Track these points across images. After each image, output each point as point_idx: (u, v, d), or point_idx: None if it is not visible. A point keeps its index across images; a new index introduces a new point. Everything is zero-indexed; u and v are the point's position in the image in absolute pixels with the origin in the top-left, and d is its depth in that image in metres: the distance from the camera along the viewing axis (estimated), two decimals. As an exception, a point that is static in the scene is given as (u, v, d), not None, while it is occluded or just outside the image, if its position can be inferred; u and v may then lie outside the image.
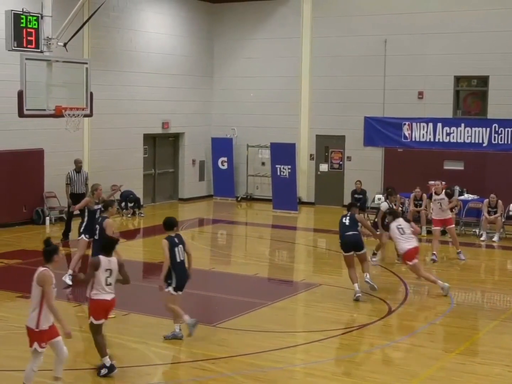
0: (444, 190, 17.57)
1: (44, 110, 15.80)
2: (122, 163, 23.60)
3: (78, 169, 18.98)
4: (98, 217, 13.09)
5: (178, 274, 10.91)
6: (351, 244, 13.45)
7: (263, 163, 26.81)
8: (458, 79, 23.58)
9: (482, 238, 19.70)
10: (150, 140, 25.69)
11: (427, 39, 23.67)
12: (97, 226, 12.64)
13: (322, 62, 25.47)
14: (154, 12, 25.16)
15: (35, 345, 8.53)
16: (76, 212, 16.18)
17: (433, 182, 21.65)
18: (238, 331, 11.44)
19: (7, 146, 20.09)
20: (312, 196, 26.04)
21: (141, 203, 23.93)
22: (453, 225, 17.60)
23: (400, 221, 14.34)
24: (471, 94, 24.00)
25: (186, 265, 11.06)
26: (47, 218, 20.94)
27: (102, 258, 9.64)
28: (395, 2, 24.27)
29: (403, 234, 14.05)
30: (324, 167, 25.93)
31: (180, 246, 10.92)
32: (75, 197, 18.06)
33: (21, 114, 15.32)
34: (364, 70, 24.67)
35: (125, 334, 11.37)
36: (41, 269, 8.54)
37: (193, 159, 27.21)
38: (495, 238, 19.54)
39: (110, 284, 9.63)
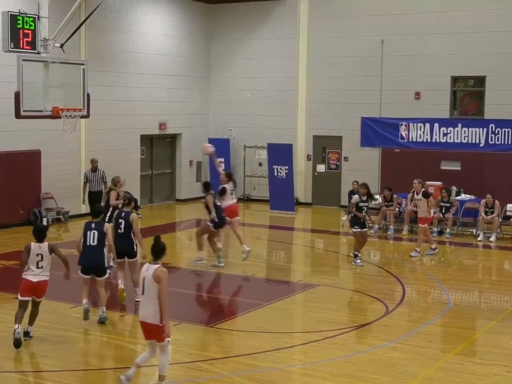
0: (422, 190, 17.58)
1: (41, 111, 15.78)
2: (119, 164, 23.56)
3: (94, 168, 19.66)
4: (120, 211, 13.22)
5: (83, 256, 11.58)
6: None
7: (260, 164, 26.82)
8: (455, 80, 23.60)
9: (479, 238, 19.71)
10: (147, 141, 25.69)
11: (424, 40, 23.68)
12: (121, 220, 12.82)
13: (319, 62, 25.48)
14: (151, 13, 25.15)
15: (168, 339, 8.67)
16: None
17: (430, 182, 21.77)
18: (235, 331, 11.44)
19: (4, 147, 20.07)
20: (309, 197, 26.05)
21: (139, 204, 23.89)
22: (425, 226, 17.52)
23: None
24: (468, 95, 24.02)
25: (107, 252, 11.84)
26: (45, 219, 20.93)
27: (32, 244, 10.60)
28: (392, 2, 24.28)
29: None
30: (321, 167, 25.93)
31: (94, 231, 11.54)
32: (93, 195, 19.26)
33: (18, 115, 15.30)
34: (361, 71, 24.68)
35: (122, 335, 11.37)
36: (154, 266, 8.62)
37: (190, 160, 27.20)
38: (492, 238, 19.56)
39: (41, 267, 10.57)
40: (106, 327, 11.78)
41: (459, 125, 23.39)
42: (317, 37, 25.42)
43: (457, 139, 23.43)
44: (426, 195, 17.49)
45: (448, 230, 20.21)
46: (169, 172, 26.95)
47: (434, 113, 23.64)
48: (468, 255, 18.34)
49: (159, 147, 26.37)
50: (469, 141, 23.25)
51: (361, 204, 16.44)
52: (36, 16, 15.74)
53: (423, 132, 23.90)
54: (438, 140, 23.69)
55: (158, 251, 8.77)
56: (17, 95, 15.03)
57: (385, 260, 17.60)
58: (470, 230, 20.54)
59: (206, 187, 16.44)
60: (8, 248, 17.79)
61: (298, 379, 9.84)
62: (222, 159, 26.88)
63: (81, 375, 9.73)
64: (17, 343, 10.32)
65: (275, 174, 24.93)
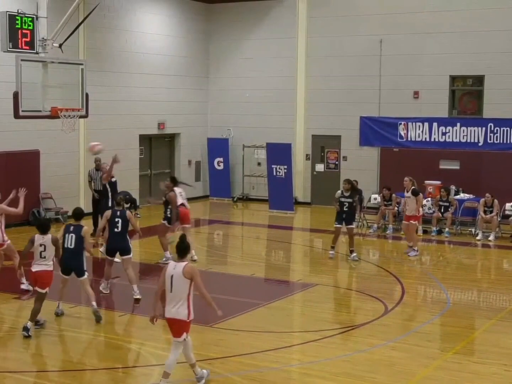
0: (412, 188, 17.66)
1: (40, 111, 15.78)
2: (118, 164, 23.52)
3: (97, 167, 19.63)
4: (115, 211, 13.58)
5: (62, 258, 11.78)
6: None
7: (259, 164, 26.82)
8: (453, 79, 23.61)
9: (478, 238, 19.72)
10: (146, 140, 25.68)
11: (422, 39, 23.69)
12: (118, 219, 13.21)
13: (317, 62, 25.49)
14: (150, 12, 25.14)
15: (184, 335, 9.04)
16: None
17: (429, 181, 21.79)
18: (234, 331, 11.44)
19: (3, 147, 20.06)
20: (308, 196, 26.05)
21: (137, 204, 23.91)
22: (413, 223, 17.66)
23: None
24: (466, 94, 24.02)
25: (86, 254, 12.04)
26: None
27: (36, 235, 11.15)
28: (390, 2, 24.27)
29: None
30: (320, 167, 25.93)
31: (72, 235, 11.77)
32: (96, 193, 19.25)
33: (16, 115, 15.30)
34: (360, 70, 24.68)
35: (121, 335, 11.38)
36: (182, 264, 8.97)
37: (189, 159, 27.20)
38: (491, 238, 19.57)
39: (44, 257, 11.11)
40: (106, 327, 11.79)
41: (458, 124, 23.40)
42: (315, 36, 25.42)
43: (456, 138, 23.43)
44: (415, 193, 17.60)
45: (447, 229, 20.21)
46: (168, 172, 26.92)
47: (432, 113, 23.65)
48: (467, 254, 18.35)
49: (158, 147, 26.36)
50: (468, 140, 23.26)
51: (342, 199, 16.77)
52: (34, 16, 15.74)
53: (422, 132, 23.91)
54: (437, 140, 23.69)
55: (183, 249, 9.12)
56: (15, 95, 15.03)
57: (384, 259, 17.60)
58: (469, 229, 20.54)
59: (174, 181, 16.73)
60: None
61: (297, 378, 9.85)
62: (221, 159, 26.98)
63: (79, 375, 9.73)
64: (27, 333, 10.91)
65: (274, 174, 24.92)
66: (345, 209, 16.70)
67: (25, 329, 10.92)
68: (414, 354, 10.57)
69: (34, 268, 11.17)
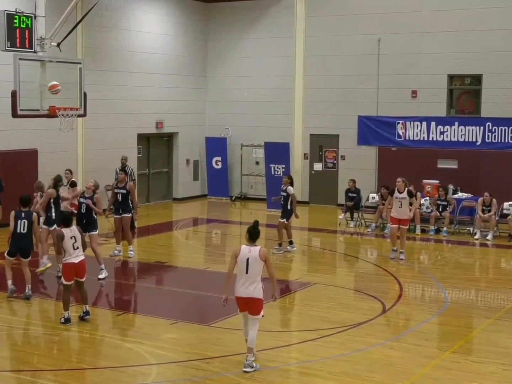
0: (406, 189, 16.86)
1: (38, 110, 15.74)
2: (116, 163, 23.53)
3: (123, 166, 19.84)
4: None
5: (14, 242, 13.11)
6: None
7: (257, 163, 26.82)
8: (451, 78, 23.62)
9: (476, 237, 19.73)
10: (144, 140, 25.68)
11: (420, 38, 23.70)
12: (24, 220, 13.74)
13: (315, 61, 25.49)
14: (148, 11, 25.13)
15: (262, 312, 9.85)
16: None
17: (427, 181, 21.81)
18: (232, 330, 11.44)
19: (0, 146, 20.05)
20: (306, 195, 26.04)
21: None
22: (407, 227, 17.10)
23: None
24: (464, 93, 24.04)
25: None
26: (41, 218, 20.83)
27: (64, 230, 11.72)
28: (388, 1, 24.28)
29: None
30: (318, 166, 25.94)
31: (24, 220, 13.10)
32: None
33: (14, 114, 15.26)
34: (358, 69, 24.69)
35: (119, 334, 11.37)
36: (256, 248, 9.84)
37: (187, 158, 27.20)
38: (489, 237, 19.58)
39: (77, 248, 11.67)
40: (104, 326, 11.79)
41: (456, 123, 23.41)
42: (313, 35, 25.42)
43: (454, 137, 23.45)
44: (412, 194, 16.97)
45: (445, 228, 20.22)
46: (166, 171, 26.94)
47: (431, 112, 23.66)
48: (465, 254, 18.35)
49: (156, 146, 26.36)
50: (466, 140, 23.27)
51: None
52: (32, 15, 15.69)
53: (420, 131, 23.92)
54: (435, 139, 23.71)
55: (256, 235, 10.04)
56: (13, 94, 14.99)
57: (382, 258, 17.60)
58: (467, 228, 20.56)
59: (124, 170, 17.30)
60: (5, 248, 17.66)
61: (295, 377, 9.84)
62: (219, 158, 26.98)
63: (78, 374, 9.73)
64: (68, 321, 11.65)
65: (272, 173, 24.94)
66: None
67: (86, 313, 11.81)
68: (412, 353, 10.58)
69: (75, 260, 11.65)
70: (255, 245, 9.89)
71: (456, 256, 18.15)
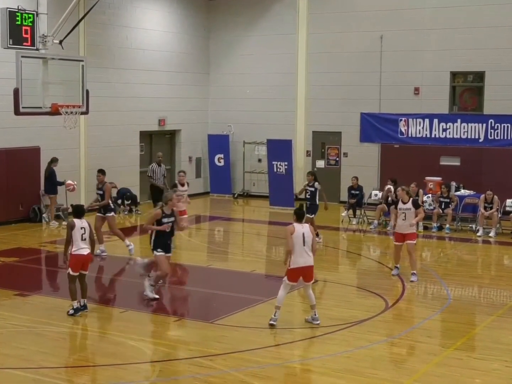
0: (411, 199, 14.59)
1: (40, 108, 15.76)
2: (118, 161, 23.59)
3: (159, 163, 19.84)
4: None
5: None
6: None
7: (259, 160, 26.83)
8: (454, 75, 23.60)
9: (478, 234, 19.72)
10: (147, 137, 25.68)
11: (423, 35, 23.68)
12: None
13: (318, 58, 25.47)
14: (150, 8, 25.13)
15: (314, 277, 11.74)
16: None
17: (429, 178, 21.78)
18: (235, 327, 11.44)
19: (3, 144, 20.07)
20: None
21: (138, 201, 23.92)
22: (414, 241, 14.70)
23: None
24: (467, 90, 24.01)
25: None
26: (44, 215, 20.92)
27: (75, 220, 11.92)
28: (391, -2, 24.29)
29: None
30: (320, 163, 25.93)
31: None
32: (156, 189, 19.45)
33: (17, 112, 15.29)
34: (360, 66, 24.68)
35: (123, 332, 11.36)
36: (306, 225, 11.66)
37: (190, 156, 27.20)
38: (492, 234, 19.58)
39: (85, 240, 11.85)
40: (107, 323, 11.80)
41: (459, 120, 23.39)
42: (316, 33, 25.40)
43: (457, 134, 23.43)
44: (417, 204, 14.73)
45: (447, 225, 20.22)
46: (168, 168, 26.91)
47: (433, 109, 23.64)
48: (467, 251, 18.34)
49: (159, 144, 26.34)
50: (469, 137, 23.25)
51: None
52: (35, 13, 15.72)
53: (423, 128, 23.90)
54: (437, 136, 23.69)
55: (302, 214, 11.83)
56: (16, 92, 15.02)
57: (384, 255, 17.59)
58: (470, 225, 20.55)
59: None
60: (8, 245, 17.78)
61: (298, 374, 9.85)
62: (222, 155, 26.98)
63: (81, 372, 9.74)
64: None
65: (275, 170, 24.93)
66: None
67: (84, 306, 11.98)
68: (415, 350, 10.60)
69: (84, 252, 11.82)
70: (303, 223, 11.57)
71: (458, 253, 18.15)
